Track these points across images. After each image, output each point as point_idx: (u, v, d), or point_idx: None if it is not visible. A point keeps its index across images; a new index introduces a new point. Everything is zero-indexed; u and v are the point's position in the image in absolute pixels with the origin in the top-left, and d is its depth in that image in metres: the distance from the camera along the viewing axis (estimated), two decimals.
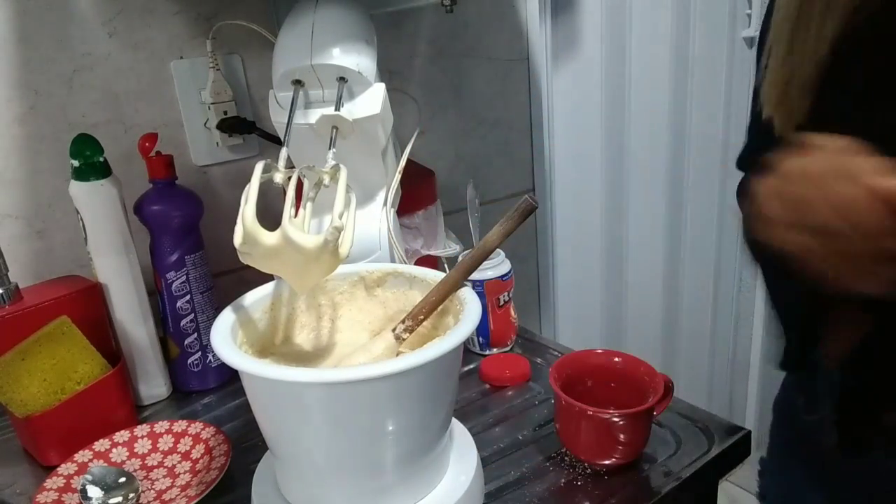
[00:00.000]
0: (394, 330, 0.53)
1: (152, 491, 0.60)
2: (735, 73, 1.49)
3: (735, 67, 1.49)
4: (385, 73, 0.72)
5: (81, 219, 0.70)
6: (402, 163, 0.71)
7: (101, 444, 0.64)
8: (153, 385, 0.77)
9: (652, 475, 0.59)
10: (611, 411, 0.56)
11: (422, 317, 0.53)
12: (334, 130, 0.60)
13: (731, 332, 1.77)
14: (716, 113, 1.50)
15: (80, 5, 0.77)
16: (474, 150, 1.11)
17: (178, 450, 0.64)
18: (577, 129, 1.26)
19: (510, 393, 0.73)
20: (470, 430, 0.58)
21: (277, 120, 0.64)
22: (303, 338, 0.58)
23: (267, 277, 0.55)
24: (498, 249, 0.62)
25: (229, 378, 0.79)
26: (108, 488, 0.58)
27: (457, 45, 1.03)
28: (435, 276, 0.55)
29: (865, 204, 0.37)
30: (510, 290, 0.81)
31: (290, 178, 0.53)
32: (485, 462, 0.60)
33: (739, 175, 0.58)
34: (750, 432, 0.63)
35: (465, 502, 0.52)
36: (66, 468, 0.61)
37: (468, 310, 0.50)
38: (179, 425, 0.66)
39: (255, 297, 0.55)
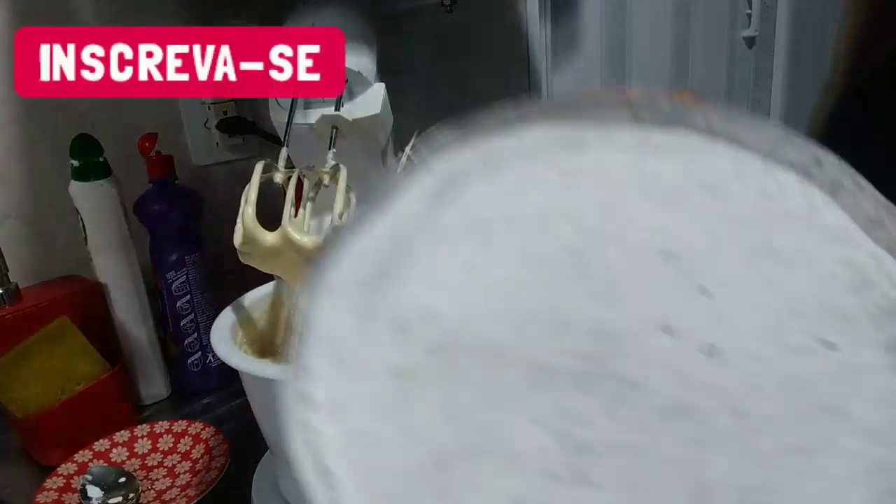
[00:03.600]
0: None
1: (152, 491, 0.60)
2: (735, 73, 1.50)
3: (735, 67, 1.49)
4: (385, 73, 0.72)
5: (81, 219, 0.70)
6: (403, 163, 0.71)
7: (101, 444, 0.64)
8: (153, 385, 0.77)
9: None
10: None
11: None
12: (334, 130, 0.60)
13: None
14: None
15: (80, 5, 0.77)
16: None
17: (178, 450, 0.64)
18: None
19: None
20: None
21: (277, 120, 0.64)
22: None
23: (267, 277, 0.55)
24: None
25: (229, 378, 0.79)
26: (108, 488, 0.58)
27: (457, 45, 1.03)
28: None
29: None
30: None
31: (290, 178, 0.53)
32: None
33: None
34: None
35: None
36: (66, 468, 0.61)
37: None
38: (179, 425, 0.66)
39: (255, 297, 0.55)
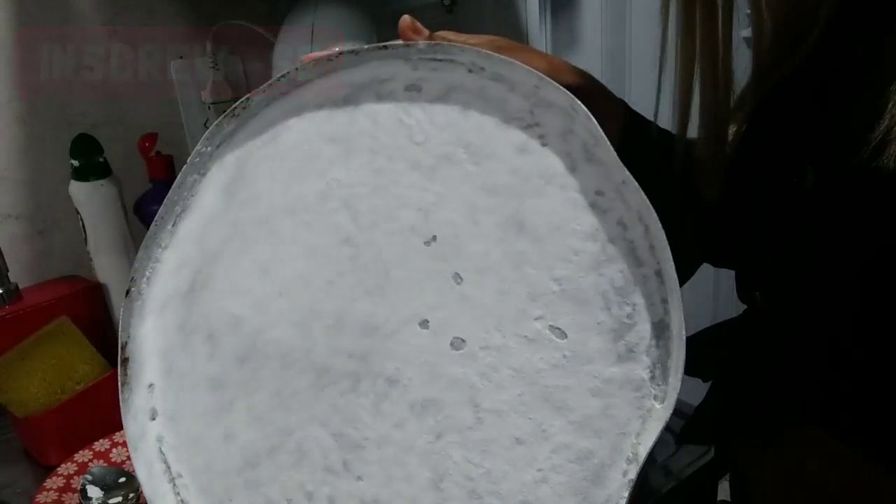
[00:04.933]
0: None
1: None
2: (735, 73, 1.50)
3: (735, 67, 1.49)
4: None
5: (81, 219, 0.70)
6: None
7: (101, 444, 0.64)
8: None
9: (652, 475, 0.59)
10: None
11: None
12: None
13: None
14: None
15: (80, 5, 0.77)
16: None
17: None
18: None
19: None
20: None
21: None
22: None
23: None
24: None
25: None
26: (108, 488, 0.58)
27: None
28: None
29: None
30: None
31: None
32: None
33: None
34: None
35: None
36: (66, 468, 0.61)
37: None
38: None
39: None
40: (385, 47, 0.38)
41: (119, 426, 0.66)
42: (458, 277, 0.35)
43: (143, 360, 0.41)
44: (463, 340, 0.35)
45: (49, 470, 0.62)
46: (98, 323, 0.71)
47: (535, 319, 0.34)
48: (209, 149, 0.41)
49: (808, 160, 0.36)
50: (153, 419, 0.41)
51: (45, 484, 0.59)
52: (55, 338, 0.65)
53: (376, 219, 0.37)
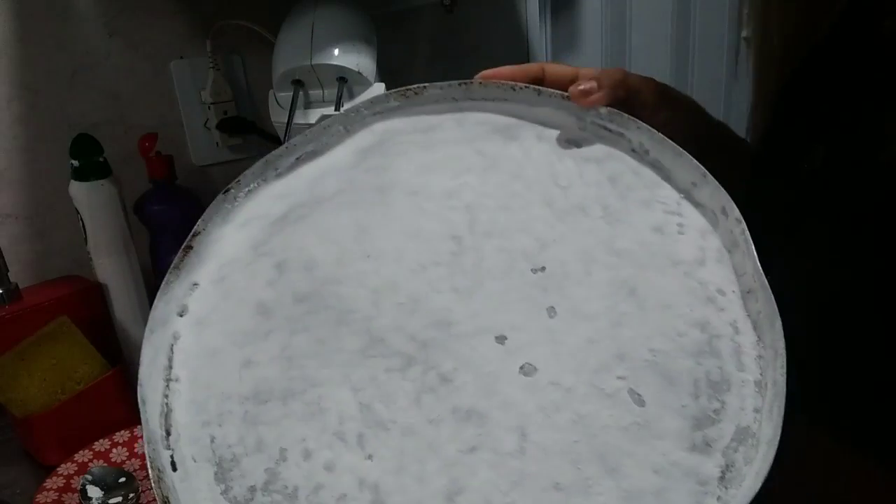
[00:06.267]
0: None
1: (152, 491, 0.60)
2: (735, 73, 1.49)
3: (735, 67, 1.49)
4: (385, 73, 0.72)
5: (81, 219, 0.70)
6: None
7: (101, 444, 0.64)
8: None
9: None
10: None
11: None
12: None
13: None
14: (716, 114, 1.50)
15: (80, 5, 0.77)
16: None
17: None
18: None
19: None
20: None
21: (277, 120, 0.64)
22: None
23: None
24: None
25: None
26: (108, 488, 0.58)
27: (457, 45, 1.03)
28: None
29: None
30: None
31: None
32: None
33: None
34: None
35: None
36: (66, 468, 0.61)
37: None
38: None
39: None
40: (567, 98, 0.40)
41: (119, 426, 0.67)
42: (552, 311, 0.35)
43: (204, 257, 0.41)
44: (535, 368, 0.34)
45: (49, 470, 0.62)
46: (98, 323, 0.71)
47: (618, 378, 0.33)
48: (367, 111, 0.43)
49: (821, 145, 0.37)
50: (181, 315, 0.39)
51: (45, 484, 0.59)
52: (55, 338, 0.65)
53: (492, 231, 0.38)
